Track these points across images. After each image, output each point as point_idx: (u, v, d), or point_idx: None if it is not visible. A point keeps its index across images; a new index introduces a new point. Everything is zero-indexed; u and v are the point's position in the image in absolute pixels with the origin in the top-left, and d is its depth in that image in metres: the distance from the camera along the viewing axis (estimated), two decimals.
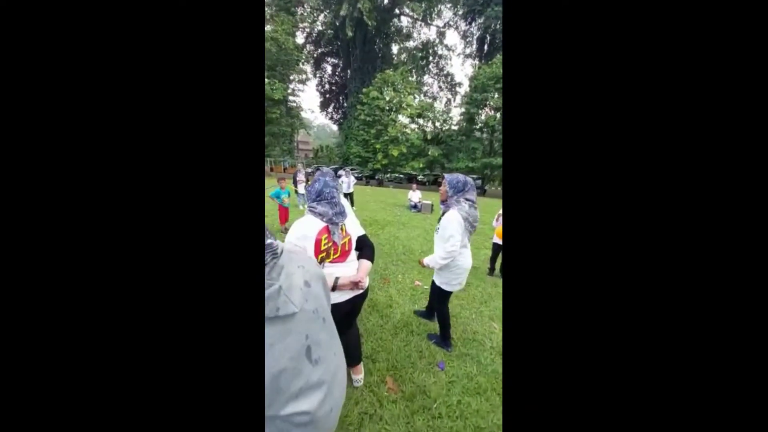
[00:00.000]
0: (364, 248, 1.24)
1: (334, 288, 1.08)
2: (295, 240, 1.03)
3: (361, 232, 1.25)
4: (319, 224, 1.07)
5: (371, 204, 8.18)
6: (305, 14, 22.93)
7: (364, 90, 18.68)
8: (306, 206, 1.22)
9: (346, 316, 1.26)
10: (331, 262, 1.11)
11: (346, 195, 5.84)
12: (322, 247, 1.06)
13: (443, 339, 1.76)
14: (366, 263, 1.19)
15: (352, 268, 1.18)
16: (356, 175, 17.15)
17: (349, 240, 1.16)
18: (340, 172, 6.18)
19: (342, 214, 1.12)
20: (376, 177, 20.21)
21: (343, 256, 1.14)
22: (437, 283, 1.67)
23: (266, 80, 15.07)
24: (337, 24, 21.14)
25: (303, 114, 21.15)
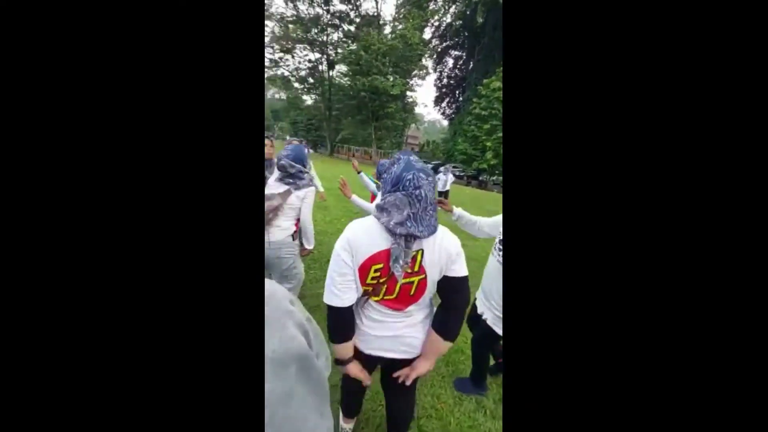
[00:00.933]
0: (448, 307, 0.70)
1: (339, 361, 0.71)
2: (340, 248, 0.66)
3: (461, 272, 0.68)
4: (379, 241, 0.65)
5: (465, 207, 7.22)
6: (437, 8, 22.69)
7: (485, 81, 16.82)
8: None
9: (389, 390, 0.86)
10: (379, 301, 0.70)
11: (440, 193, 5.42)
12: (368, 280, 0.67)
13: (477, 381, 1.29)
14: (437, 343, 0.69)
15: (410, 327, 0.72)
16: (457, 174, 16.05)
17: (423, 281, 0.67)
18: (440, 168, 5.82)
19: (423, 221, 0.63)
20: (480, 178, 18.21)
21: (403, 302, 0.70)
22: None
23: (389, 77, 16.09)
24: (468, 12, 19.78)
25: (417, 109, 21.55)
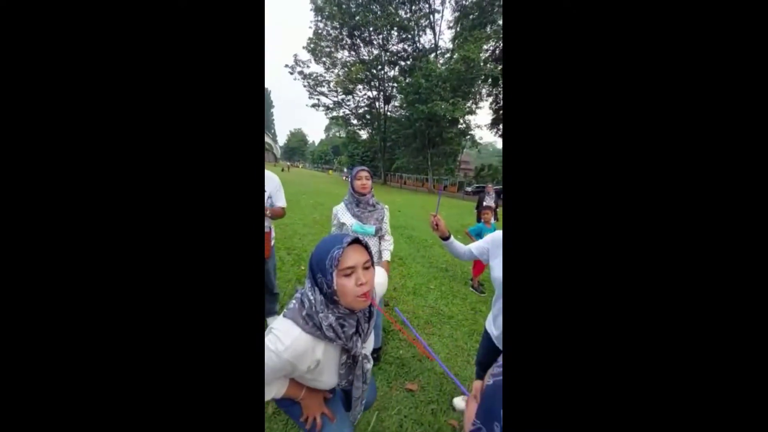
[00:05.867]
0: None
1: None
2: None
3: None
4: None
5: None
6: (496, 29, 22.30)
7: None
8: None
9: None
10: None
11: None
12: None
13: None
14: None
15: None
16: None
17: None
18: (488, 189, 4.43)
19: None
20: None
21: None
22: None
23: (450, 100, 15.58)
24: None
25: (471, 132, 20.30)
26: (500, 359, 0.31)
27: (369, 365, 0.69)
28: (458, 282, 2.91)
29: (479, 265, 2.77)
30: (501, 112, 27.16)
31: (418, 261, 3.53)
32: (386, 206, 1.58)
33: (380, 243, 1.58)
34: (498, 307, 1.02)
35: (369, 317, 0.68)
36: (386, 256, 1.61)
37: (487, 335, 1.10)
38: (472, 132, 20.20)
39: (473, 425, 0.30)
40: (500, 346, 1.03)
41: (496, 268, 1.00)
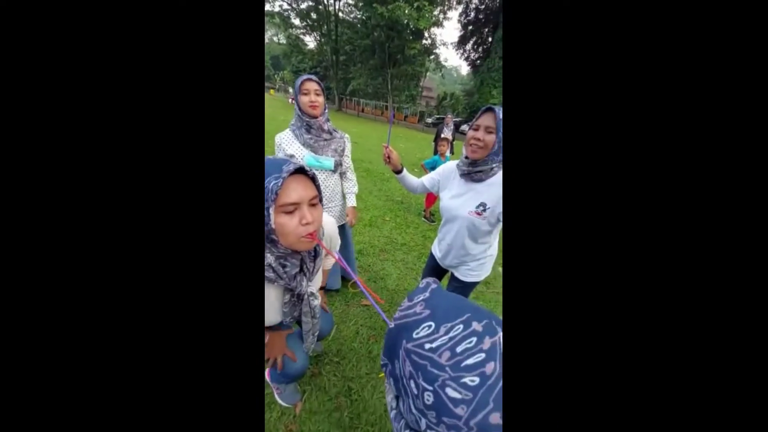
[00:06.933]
0: None
1: None
2: None
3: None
4: None
5: None
6: None
7: None
8: None
9: None
10: None
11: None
12: None
13: None
14: None
15: None
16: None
17: None
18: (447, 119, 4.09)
19: None
20: None
21: None
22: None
23: (415, 3, 12.98)
24: None
25: (436, 51, 18.16)
26: (403, 303, 0.33)
27: (316, 302, 0.69)
28: (412, 213, 3.10)
29: (431, 197, 2.94)
30: (470, 27, 24.02)
31: (374, 194, 3.56)
32: (347, 135, 1.30)
33: (342, 182, 1.33)
34: (443, 231, 1.10)
35: (315, 255, 0.64)
36: (351, 200, 1.35)
37: (432, 256, 1.23)
38: (437, 51, 18.06)
39: (382, 361, 0.32)
40: (442, 265, 1.18)
41: (445, 198, 1.04)
